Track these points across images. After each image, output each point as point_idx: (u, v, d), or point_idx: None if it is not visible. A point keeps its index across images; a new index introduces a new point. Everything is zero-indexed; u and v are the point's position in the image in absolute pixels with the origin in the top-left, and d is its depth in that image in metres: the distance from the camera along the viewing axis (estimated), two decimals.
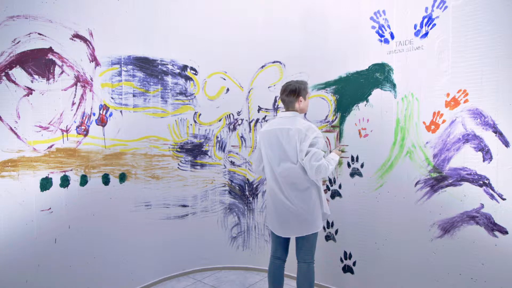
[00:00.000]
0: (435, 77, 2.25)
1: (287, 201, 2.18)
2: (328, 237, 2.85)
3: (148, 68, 2.90)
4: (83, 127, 2.47)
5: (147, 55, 2.90)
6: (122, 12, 2.71)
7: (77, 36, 2.43)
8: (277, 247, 2.36)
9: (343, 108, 2.73)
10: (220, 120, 3.33)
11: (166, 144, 3.06)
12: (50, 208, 2.29)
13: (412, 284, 2.39)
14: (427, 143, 2.30)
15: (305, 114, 2.94)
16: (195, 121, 3.23)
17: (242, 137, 3.35)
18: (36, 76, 2.22)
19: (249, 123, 3.32)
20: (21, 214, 2.16)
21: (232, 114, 3.35)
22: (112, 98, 2.66)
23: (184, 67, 3.15)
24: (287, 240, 2.36)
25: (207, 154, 3.29)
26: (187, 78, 3.17)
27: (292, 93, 2.24)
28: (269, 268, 2.38)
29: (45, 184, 2.27)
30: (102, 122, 2.60)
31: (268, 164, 2.27)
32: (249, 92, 3.32)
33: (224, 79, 3.31)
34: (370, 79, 2.56)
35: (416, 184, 2.35)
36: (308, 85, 2.34)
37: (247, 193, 3.34)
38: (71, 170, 2.41)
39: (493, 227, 2.05)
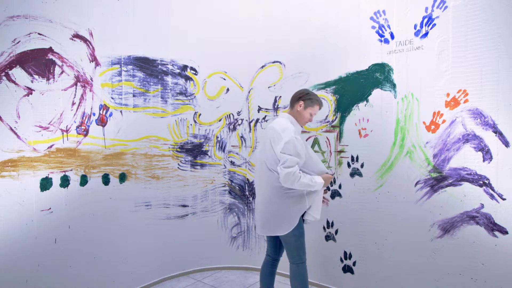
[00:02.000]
0: (435, 77, 2.25)
1: (261, 198, 2.25)
2: (328, 237, 2.85)
3: (148, 68, 2.90)
4: (83, 127, 2.47)
5: (147, 55, 2.90)
6: (122, 12, 2.71)
7: (77, 36, 2.43)
8: (268, 245, 2.40)
9: (343, 108, 2.73)
10: (220, 120, 3.33)
11: (166, 144, 3.06)
12: (50, 208, 2.30)
13: (412, 284, 2.39)
14: (427, 143, 2.30)
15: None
16: (195, 121, 3.23)
17: (242, 137, 3.35)
18: (36, 76, 2.22)
19: (249, 123, 3.32)
20: (21, 214, 2.16)
21: (232, 114, 3.35)
22: (112, 98, 2.66)
23: (184, 67, 3.15)
24: (273, 238, 2.36)
25: (207, 154, 3.29)
26: (187, 78, 3.17)
27: (297, 94, 2.27)
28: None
29: (45, 184, 2.27)
30: (102, 122, 2.60)
31: (257, 161, 2.35)
32: (249, 92, 3.32)
33: (224, 79, 3.31)
34: (370, 79, 2.56)
35: (416, 184, 2.35)
36: (317, 103, 2.25)
37: (247, 193, 3.34)
38: (71, 170, 2.41)
39: (493, 227, 2.05)
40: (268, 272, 2.36)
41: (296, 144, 2.04)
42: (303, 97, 2.23)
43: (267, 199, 2.19)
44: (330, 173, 2.31)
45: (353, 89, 2.65)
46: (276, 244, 2.35)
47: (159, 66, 2.98)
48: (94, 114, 2.54)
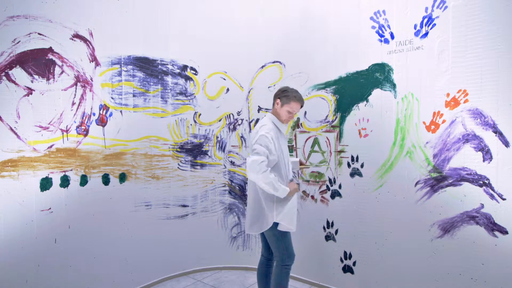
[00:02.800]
0: (435, 77, 2.25)
1: (248, 197, 2.32)
2: (328, 237, 2.85)
3: (148, 68, 2.90)
4: (83, 127, 2.47)
5: (147, 55, 2.90)
6: (122, 12, 2.71)
7: (77, 36, 2.43)
8: (262, 245, 2.43)
9: (343, 108, 2.73)
10: (220, 120, 3.33)
11: (166, 144, 3.06)
12: (50, 208, 2.30)
13: (412, 284, 2.39)
14: (427, 143, 2.30)
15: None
16: (195, 121, 3.23)
17: (242, 137, 3.34)
18: (36, 76, 2.22)
19: (249, 123, 3.32)
20: (21, 214, 2.16)
21: (232, 114, 3.34)
22: (112, 98, 2.66)
23: (184, 67, 3.15)
24: (265, 238, 2.37)
25: (207, 154, 3.29)
26: (187, 78, 3.17)
27: (276, 92, 2.28)
28: None
29: (45, 184, 2.27)
30: (102, 122, 2.60)
31: None
32: (249, 92, 3.32)
33: (224, 79, 3.31)
34: (370, 79, 2.56)
35: (416, 184, 2.35)
36: (294, 99, 2.18)
37: (247, 193, 3.33)
38: (71, 170, 2.41)
39: (493, 227, 2.05)
40: (263, 272, 2.37)
41: (268, 139, 2.08)
42: (280, 95, 2.22)
43: (250, 198, 2.26)
44: (296, 182, 2.28)
45: (353, 89, 2.65)
46: (268, 244, 2.36)
47: (159, 66, 2.98)
48: (94, 114, 2.54)
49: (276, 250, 2.21)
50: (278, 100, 2.22)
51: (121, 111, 2.72)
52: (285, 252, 2.20)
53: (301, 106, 2.25)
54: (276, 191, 2.07)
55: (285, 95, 2.20)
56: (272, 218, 2.15)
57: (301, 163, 2.58)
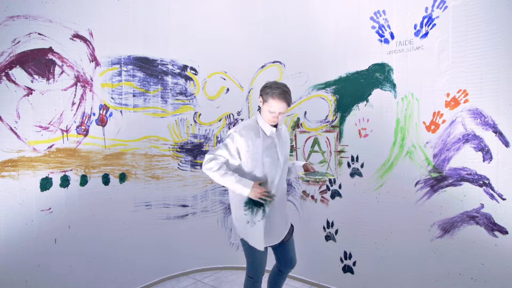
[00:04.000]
0: (435, 77, 2.25)
1: None
2: (328, 237, 2.85)
3: (148, 68, 2.90)
4: (83, 127, 2.47)
5: (147, 55, 2.90)
6: (122, 12, 2.71)
7: (77, 36, 2.43)
8: (274, 255, 2.24)
9: (343, 108, 2.73)
10: (220, 120, 3.33)
11: (166, 144, 3.06)
12: (50, 208, 2.30)
13: (412, 284, 2.39)
14: (427, 143, 2.30)
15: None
16: (195, 121, 3.23)
17: None
18: (36, 76, 2.22)
19: None
20: (21, 214, 2.16)
21: (232, 114, 3.34)
22: (112, 98, 2.66)
23: (184, 67, 3.15)
24: (272, 248, 2.18)
25: None
26: (187, 78, 3.17)
27: (261, 87, 1.99)
28: None
29: (45, 184, 2.27)
30: (102, 122, 2.60)
31: None
32: (249, 92, 3.32)
33: (224, 79, 3.31)
34: (370, 79, 2.56)
35: (416, 184, 2.35)
36: (273, 96, 1.84)
37: None
38: (71, 170, 2.41)
39: (493, 227, 2.05)
40: (273, 281, 2.25)
41: (233, 137, 1.87)
42: (261, 91, 1.91)
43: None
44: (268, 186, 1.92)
45: (353, 89, 2.65)
46: (277, 254, 2.17)
47: (159, 66, 2.98)
48: (94, 114, 2.54)
49: (246, 259, 2.06)
50: (261, 98, 1.93)
51: (121, 111, 2.72)
52: (250, 264, 2.03)
53: (288, 105, 1.86)
54: (231, 184, 1.82)
55: (266, 92, 1.86)
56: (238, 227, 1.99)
57: (306, 169, 2.11)
